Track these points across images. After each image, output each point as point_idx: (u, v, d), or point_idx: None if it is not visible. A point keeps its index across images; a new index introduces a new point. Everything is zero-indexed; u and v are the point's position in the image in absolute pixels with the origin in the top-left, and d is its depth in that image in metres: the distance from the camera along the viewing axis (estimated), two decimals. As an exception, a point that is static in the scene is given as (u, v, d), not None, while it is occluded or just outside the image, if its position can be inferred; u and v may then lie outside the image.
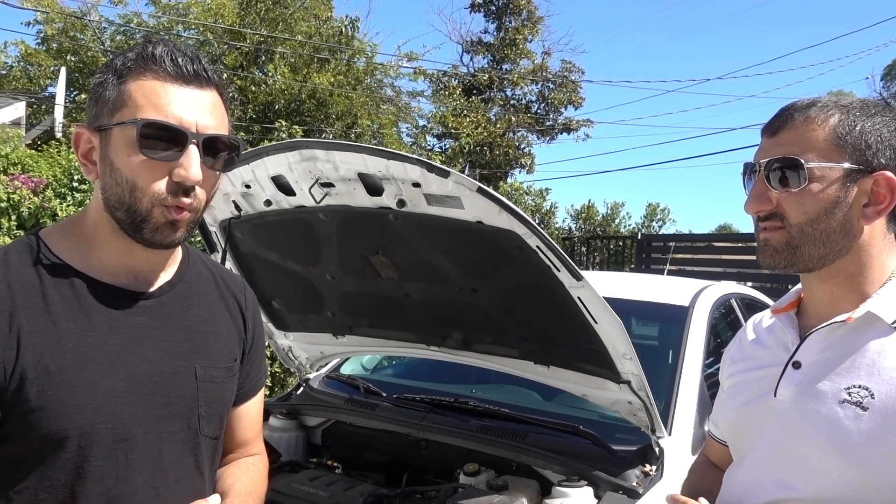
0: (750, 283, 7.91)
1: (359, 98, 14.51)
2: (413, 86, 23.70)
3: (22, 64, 15.68)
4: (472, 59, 20.51)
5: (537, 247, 1.73)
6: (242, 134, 12.26)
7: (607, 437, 2.08)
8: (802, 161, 1.08)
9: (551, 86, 20.19)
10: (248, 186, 2.05)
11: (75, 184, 5.62)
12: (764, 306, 3.31)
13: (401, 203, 1.83)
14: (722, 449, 1.35)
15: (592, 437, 2.05)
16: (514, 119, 19.11)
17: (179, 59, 1.04)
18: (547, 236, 1.71)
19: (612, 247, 13.14)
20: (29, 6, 14.03)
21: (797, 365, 1.14)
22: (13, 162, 6.09)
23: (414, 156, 1.76)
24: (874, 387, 1.05)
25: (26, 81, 15.24)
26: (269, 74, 14.02)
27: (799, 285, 1.24)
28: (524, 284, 1.91)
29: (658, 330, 2.92)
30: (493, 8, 19.96)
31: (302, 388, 2.75)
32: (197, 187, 1.05)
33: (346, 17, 15.01)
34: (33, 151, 7.03)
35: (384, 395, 2.52)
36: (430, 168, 1.70)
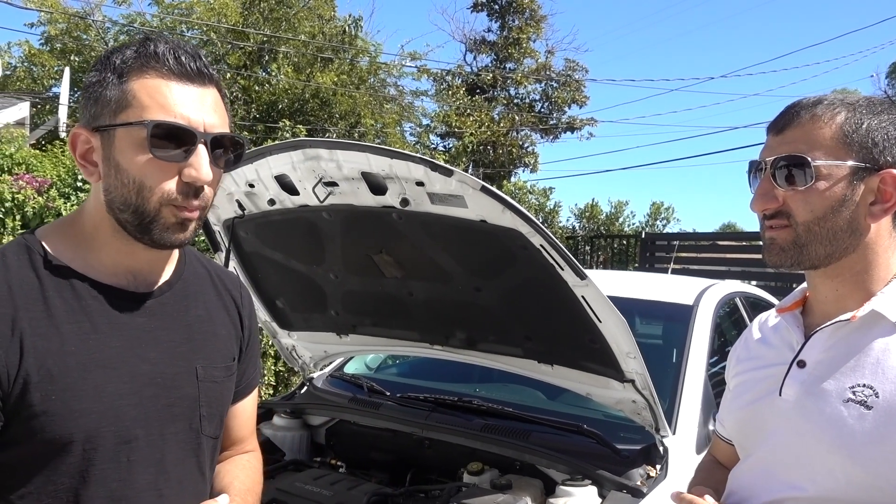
0: (754, 282, 7.89)
1: (362, 97, 14.53)
2: (416, 85, 23.73)
3: (26, 64, 15.74)
4: (475, 58, 20.53)
5: (541, 246, 1.73)
6: (246, 133, 12.27)
7: (611, 436, 2.07)
8: (809, 159, 1.07)
9: (554, 85, 20.19)
10: (251, 186, 2.05)
11: (79, 183, 5.63)
12: (768, 305, 3.30)
13: (404, 202, 1.82)
14: (728, 448, 1.35)
15: (596, 436, 2.05)
16: (517, 118, 19.11)
17: (182, 57, 1.03)
18: (551, 235, 1.71)
19: (615, 246, 13.12)
20: (32, 7, 14.08)
21: (802, 364, 1.14)
22: (17, 162, 6.11)
23: (417, 155, 1.76)
24: (879, 386, 1.05)
25: (30, 82, 15.30)
26: (273, 74, 14.05)
27: (804, 284, 1.23)
28: (528, 283, 1.91)
29: (662, 329, 2.91)
30: (496, 7, 19.96)
31: (306, 388, 2.75)
32: (205, 186, 1.05)
33: (350, 16, 15.06)
34: (37, 151, 7.06)
35: (388, 394, 2.52)
36: (434, 167, 1.69)
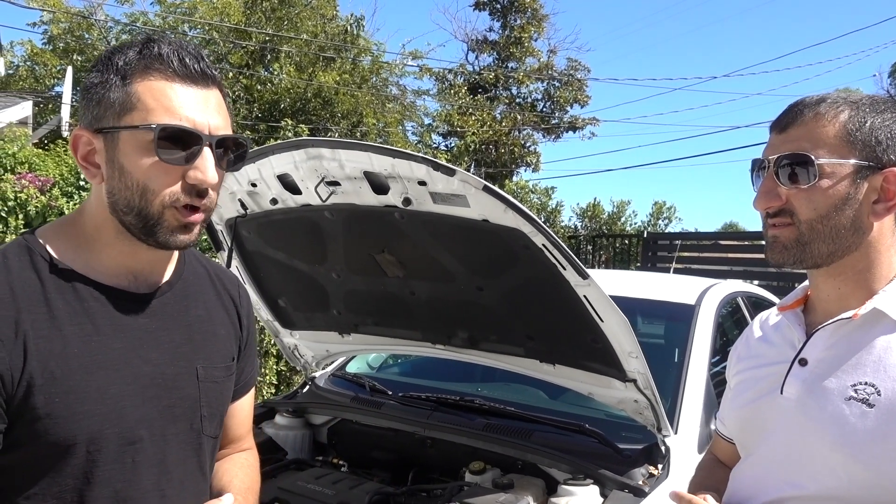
0: (756, 282, 7.89)
1: (364, 97, 14.53)
2: (418, 84, 23.72)
3: (28, 63, 15.76)
4: (477, 57, 20.52)
5: (543, 245, 1.72)
6: (248, 133, 12.29)
7: (613, 435, 2.07)
8: (812, 157, 1.07)
9: (557, 84, 20.19)
10: (254, 185, 2.05)
11: (81, 183, 5.64)
12: (770, 305, 3.29)
13: (406, 201, 1.82)
14: (729, 447, 1.35)
15: (598, 435, 2.05)
16: (519, 117, 19.11)
17: (186, 59, 1.02)
18: (553, 235, 1.70)
19: (617, 245, 13.12)
20: (35, 6, 14.10)
21: (803, 362, 1.14)
22: (20, 161, 6.12)
23: (420, 154, 1.76)
24: (880, 383, 1.05)
25: (33, 81, 15.31)
26: (275, 73, 14.06)
27: (806, 282, 1.23)
28: (530, 283, 1.91)
29: (664, 328, 2.91)
30: (498, 6, 19.96)
31: (308, 387, 2.75)
32: (210, 188, 1.04)
33: (352, 15, 15.06)
34: (40, 150, 7.07)
35: (390, 393, 2.52)
36: (436, 166, 1.69)
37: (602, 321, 1.80)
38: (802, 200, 1.09)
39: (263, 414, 2.58)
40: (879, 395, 1.04)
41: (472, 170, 17.38)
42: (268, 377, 5.39)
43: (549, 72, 20.11)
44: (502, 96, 19.83)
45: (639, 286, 3.14)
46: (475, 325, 2.19)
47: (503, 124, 18.57)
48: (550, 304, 1.91)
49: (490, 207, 1.72)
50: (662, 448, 1.98)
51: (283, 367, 5.53)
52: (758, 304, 3.24)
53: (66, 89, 12.21)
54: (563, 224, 15.26)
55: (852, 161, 1.07)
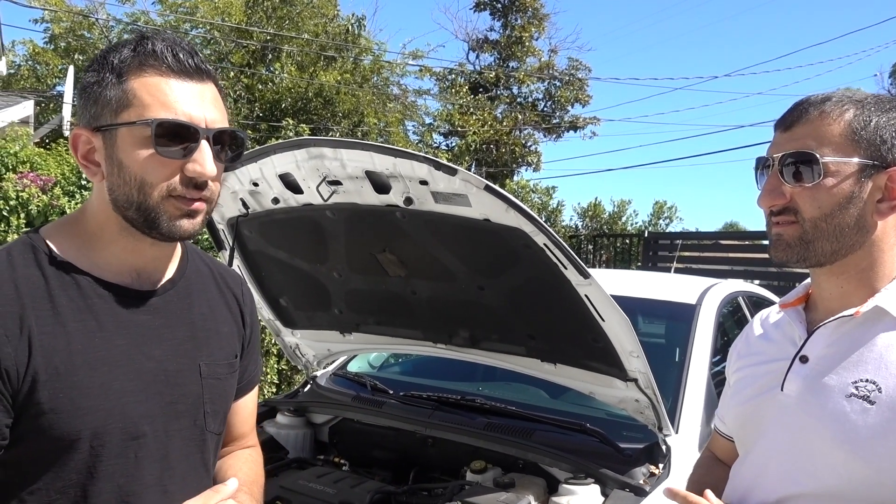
0: (757, 282, 7.88)
1: (365, 96, 14.53)
2: (419, 84, 23.73)
3: (30, 63, 15.77)
4: (478, 56, 20.53)
5: (544, 244, 1.73)
6: (249, 132, 12.29)
7: (614, 434, 2.07)
8: (817, 155, 1.07)
9: (558, 83, 20.19)
10: (255, 184, 2.05)
11: (83, 181, 5.63)
12: (771, 304, 3.29)
13: (408, 201, 1.83)
14: (727, 444, 1.35)
15: (599, 434, 2.05)
16: (520, 117, 19.11)
17: (180, 54, 1.03)
18: (554, 234, 1.71)
19: (618, 245, 13.12)
20: (37, 5, 14.11)
21: (804, 359, 1.14)
22: (22, 160, 6.12)
23: (421, 154, 1.76)
24: (881, 381, 1.05)
25: (34, 80, 15.32)
26: (276, 73, 14.06)
27: (807, 280, 1.23)
28: (531, 282, 1.91)
29: (665, 328, 2.91)
30: (499, 6, 19.95)
31: (309, 386, 2.76)
32: (209, 180, 1.05)
33: (353, 15, 15.05)
34: (41, 150, 7.07)
35: (391, 392, 2.53)
36: (438, 166, 1.70)
37: (603, 320, 1.81)
38: (807, 199, 1.09)
39: (265, 413, 2.58)
40: (880, 392, 1.04)
41: (473, 169, 17.38)
42: (269, 376, 5.39)
43: (550, 71, 20.11)
44: (503, 96, 19.83)
45: (640, 286, 3.14)
46: (476, 324, 2.19)
47: (504, 124, 18.58)
48: (552, 303, 1.91)
49: (491, 207, 1.72)
50: (663, 447, 1.98)
51: (284, 366, 5.54)
52: (759, 304, 3.24)
53: (68, 89, 12.22)
54: (563, 223, 15.23)
55: (857, 160, 1.07)
